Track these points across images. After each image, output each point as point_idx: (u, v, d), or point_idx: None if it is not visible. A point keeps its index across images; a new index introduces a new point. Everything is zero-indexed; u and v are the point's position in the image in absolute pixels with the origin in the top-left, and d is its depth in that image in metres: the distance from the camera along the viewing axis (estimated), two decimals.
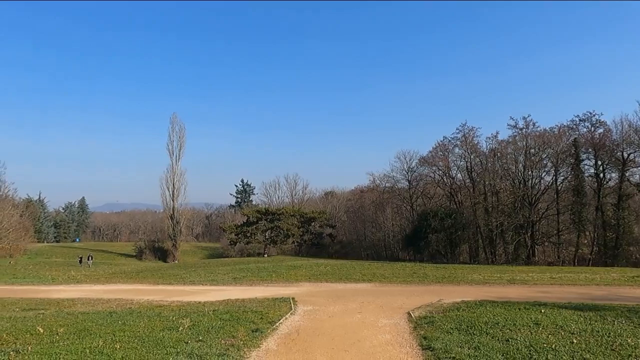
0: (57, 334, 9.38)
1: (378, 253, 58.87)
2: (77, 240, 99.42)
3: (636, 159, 42.16)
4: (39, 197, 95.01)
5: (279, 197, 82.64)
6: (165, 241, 69.69)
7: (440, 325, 9.75)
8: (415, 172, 56.95)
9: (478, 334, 8.74)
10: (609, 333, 8.59)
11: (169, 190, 66.84)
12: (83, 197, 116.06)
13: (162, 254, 67.95)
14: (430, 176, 55.07)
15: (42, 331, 9.57)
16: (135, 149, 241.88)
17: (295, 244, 66.03)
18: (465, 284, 19.54)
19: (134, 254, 69.73)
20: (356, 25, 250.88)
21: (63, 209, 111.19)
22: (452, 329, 9.36)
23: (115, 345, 8.05)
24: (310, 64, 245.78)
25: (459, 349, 7.67)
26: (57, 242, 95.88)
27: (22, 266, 44.45)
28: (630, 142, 41.74)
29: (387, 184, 60.87)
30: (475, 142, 50.45)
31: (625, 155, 42.35)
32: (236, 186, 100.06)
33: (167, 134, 67.64)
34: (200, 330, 9.43)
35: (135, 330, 9.59)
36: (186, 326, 9.72)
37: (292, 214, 65.33)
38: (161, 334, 9.16)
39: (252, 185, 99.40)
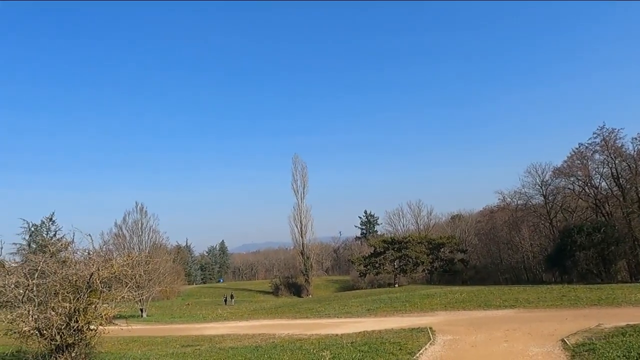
0: None
1: (517, 276, 54.52)
2: (221, 280, 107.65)
3: None
4: (186, 243, 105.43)
5: (403, 225, 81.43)
6: (298, 276, 72.29)
7: (603, 353, 8.69)
8: (550, 185, 52.16)
9: None
10: None
11: (297, 227, 69.85)
12: (222, 240, 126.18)
13: (296, 289, 70.47)
14: (568, 188, 50.01)
15: None
16: (263, 191, 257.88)
17: (426, 272, 64.01)
18: (628, 305, 17.15)
19: (271, 290, 73.26)
20: (474, 40, 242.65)
21: (206, 252, 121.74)
22: (618, 357, 8.28)
23: None
24: (423, 82, 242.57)
25: None
26: (204, 283, 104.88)
27: (177, 307, 49.36)
28: None
29: (519, 201, 56.46)
30: (619, 144, 44.91)
31: None
32: (360, 218, 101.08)
33: (290, 173, 71.26)
34: None
35: None
36: (327, 359, 9.94)
37: (419, 241, 63.77)
38: None
39: (375, 216, 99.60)
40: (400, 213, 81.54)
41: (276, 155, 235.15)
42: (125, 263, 12.89)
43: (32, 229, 60.06)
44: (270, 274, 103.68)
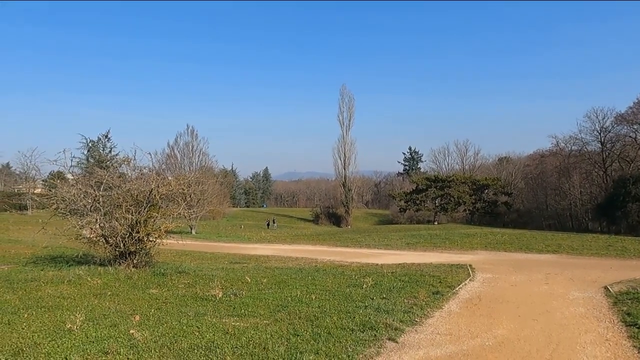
0: (262, 283, 10.92)
1: (562, 223, 53.49)
2: (264, 205, 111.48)
3: None
4: (232, 168, 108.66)
5: (448, 164, 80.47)
6: (339, 207, 73.76)
7: None
8: (610, 132, 49.51)
9: None
10: None
11: (340, 159, 70.28)
12: (266, 167, 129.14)
13: (335, 219, 72.24)
14: (630, 136, 47.41)
15: (249, 280, 11.23)
16: (309, 120, 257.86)
17: (467, 212, 63.85)
18: None
19: (311, 218, 75.45)
20: None
21: (250, 178, 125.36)
22: None
23: (311, 296, 9.10)
24: (484, 21, 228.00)
25: None
26: (247, 207, 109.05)
27: (223, 227, 51.93)
28: None
29: (573, 147, 54.18)
30: None
31: None
32: (404, 154, 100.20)
33: (337, 105, 70.60)
34: (383, 289, 10.02)
35: (324, 285, 10.63)
36: (369, 285, 10.41)
37: (463, 181, 63.12)
38: (348, 289, 10.01)
39: (420, 153, 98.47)
40: (446, 151, 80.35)
41: (324, 87, 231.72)
42: (181, 182, 13.61)
43: (90, 144, 63.32)
44: (311, 203, 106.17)
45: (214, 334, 6.36)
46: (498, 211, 62.31)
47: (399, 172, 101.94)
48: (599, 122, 50.20)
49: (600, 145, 50.71)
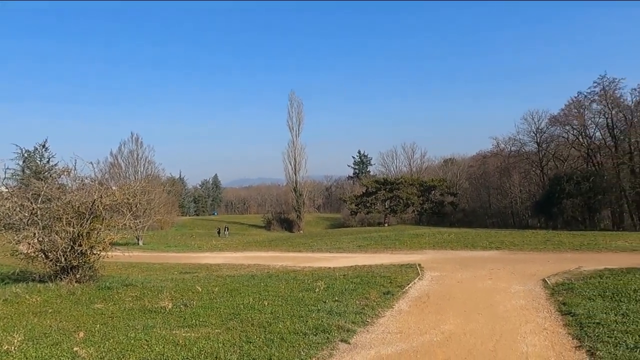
0: (213, 292, 10.74)
1: (504, 221, 56.09)
2: (215, 213, 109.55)
3: None
4: (180, 175, 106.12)
5: (396, 167, 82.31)
6: (290, 212, 73.76)
7: (581, 292, 9.27)
8: (545, 133, 52.59)
9: (626, 301, 8.17)
10: None
11: (291, 164, 70.45)
12: (216, 174, 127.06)
13: (288, 225, 72.14)
14: (563, 137, 50.51)
15: (200, 290, 11.02)
16: (259, 126, 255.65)
17: (416, 213, 65.60)
18: (609, 251, 17.95)
19: (263, 225, 74.93)
20: None
21: (200, 185, 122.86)
22: (594, 295, 8.85)
23: (264, 303, 9.06)
24: (424, 27, 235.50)
25: (604, 315, 7.28)
26: (197, 215, 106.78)
27: (172, 236, 50.57)
28: None
29: (512, 148, 57.14)
30: (618, 95, 44.83)
31: None
32: (353, 157, 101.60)
33: (286, 110, 70.78)
34: (335, 292, 10.13)
35: (277, 291, 10.61)
36: (322, 288, 10.49)
37: (411, 182, 64.84)
38: (300, 294, 10.04)
39: (369, 156, 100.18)
40: (394, 154, 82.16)
41: (271, 93, 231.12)
42: (126, 192, 13.17)
43: (25, 155, 59.85)
44: (263, 209, 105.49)
45: (163, 347, 6.20)
46: (445, 211, 64.47)
47: (349, 176, 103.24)
48: (535, 123, 53.33)
49: (536, 145, 53.74)
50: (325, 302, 9.05)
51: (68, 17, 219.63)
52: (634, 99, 44.08)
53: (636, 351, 5.56)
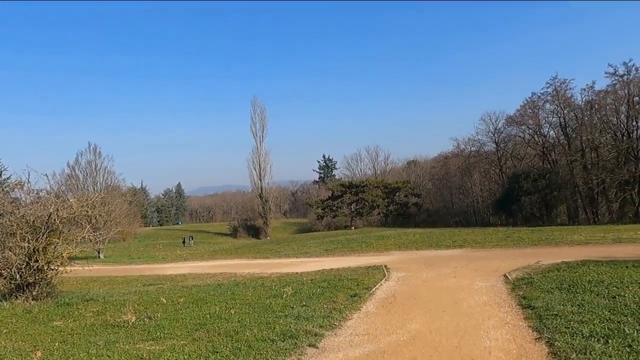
0: (178, 303, 10.53)
1: (467, 220, 57.44)
2: (179, 223, 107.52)
3: None
4: (142, 185, 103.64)
5: (361, 170, 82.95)
6: (257, 219, 73.21)
7: (539, 286, 9.61)
8: (502, 133, 54.33)
9: (581, 292, 8.52)
10: None
11: (255, 170, 69.92)
12: (179, 183, 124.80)
13: (254, 232, 71.57)
14: (519, 136, 52.26)
15: (165, 301, 10.79)
16: (221, 133, 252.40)
17: (381, 215, 66.35)
18: (565, 245, 18.68)
19: (229, 232, 74.10)
20: None
21: (162, 195, 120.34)
22: (552, 288, 9.19)
23: (231, 311, 8.95)
24: (384, 29, 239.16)
25: (562, 306, 7.57)
26: (161, 225, 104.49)
27: (135, 248, 49.26)
28: None
29: (472, 148, 58.68)
30: (569, 95, 46.82)
31: None
32: (318, 162, 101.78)
33: (249, 116, 70.27)
34: (303, 297, 10.12)
35: (244, 299, 10.50)
36: (289, 294, 10.46)
37: (375, 185, 65.58)
38: (268, 301, 9.98)
39: (334, 160, 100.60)
40: (358, 158, 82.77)
41: (234, 99, 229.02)
42: (84, 204, 12.75)
43: None
44: (228, 217, 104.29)
45: None
46: (410, 212, 65.50)
47: (314, 180, 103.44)
48: (493, 124, 55.02)
49: (495, 145, 55.43)
50: (292, 307, 9.02)
51: (15, 23, 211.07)
52: (584, 99, 46.18)
53: (591, 339, 5.80)
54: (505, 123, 53.37)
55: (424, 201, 67.91)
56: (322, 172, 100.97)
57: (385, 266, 15.01)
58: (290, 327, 7.37)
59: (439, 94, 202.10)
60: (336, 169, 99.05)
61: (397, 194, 66.51)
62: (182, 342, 6.93)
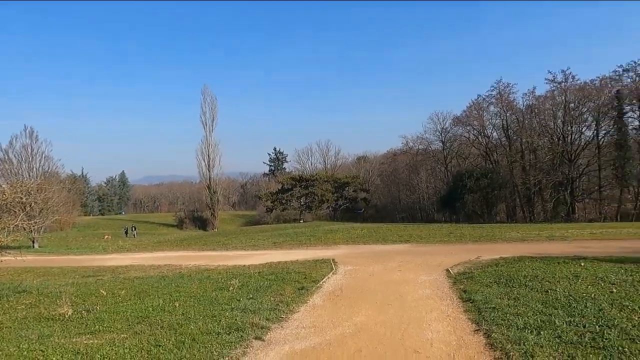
0: (119, 296, 10.17)
1: (413, 216, 59.01)
2: (122, 212, 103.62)
3: None
4: (82, 173, 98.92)
5: (312, 164, 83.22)
6: (204, 210, 71.80)
7: (479, 280, 10.03)
8: (449, 132, 56.23)
9: (517, 287, 8.98)
10: None
11: (204, 161, 68.31)
12: (123, 171, 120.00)
13: (201, 223, 70.19)
14: (464, 136, 54.25)
15: (105, 294, 10.39)
16: (169, 121, 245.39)
17: (330, 209, 66.90)
18: (503, 241, 19.59)
19: (175, 223, 72.28)
20: None
21: (105, 183, 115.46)
22: (491, 282, 9.62)
23: (175, 304, 8.73)
24: (337, 24, 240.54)
25: (499, 300, 7.95)
26: (102, 214, 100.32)
27: (73, 238, 47.04)
28: None
29: (420, 146, 60.33)
30: (511, 99, 49.13)
31: None
32: (269, 154, 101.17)
33: (199, 105, 68.53)
34: (250, 290, 10.04)
35: (189, 291, 10.28)
36: (236, 286, 10.35)
37: (325, 179, 66.00)
38: (214, 293, 9.82)
39: (284, 153, 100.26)
40: (309, 152, 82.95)
41: (183, 88, 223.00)
42: (18, 190, 12.01)
43: None
44: (175, 208, 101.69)
45: (62, 356, 5.75)
46: (358, 207, 66.46)
47: (264, 173, 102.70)
48: (440, 123, 56.82)
49: (441, 144, 57.28)
50: (239, 300, 8.93)
51: None
52: (525, 103, 48.58)
53: (525, 331, 6.12)
54: (452, 123, 55.31)
55: (372, 196, 69.09)
56: (272, 164, 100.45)
57: (333, 260, 15.15)
58: (236, 319, 7.29)
59: (390, 91, 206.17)
60: (287, 162, 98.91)
61: (347, 188, 67.26)
62: (122, 335, 6.69)
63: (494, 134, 51.73)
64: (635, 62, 42.91)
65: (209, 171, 68.68)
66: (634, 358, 4.98)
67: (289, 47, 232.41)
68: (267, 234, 31.57)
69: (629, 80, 43.39)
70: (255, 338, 6.48)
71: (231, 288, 10.18)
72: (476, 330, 6.55)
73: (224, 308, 8.22)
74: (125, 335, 6.66)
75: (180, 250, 25.96)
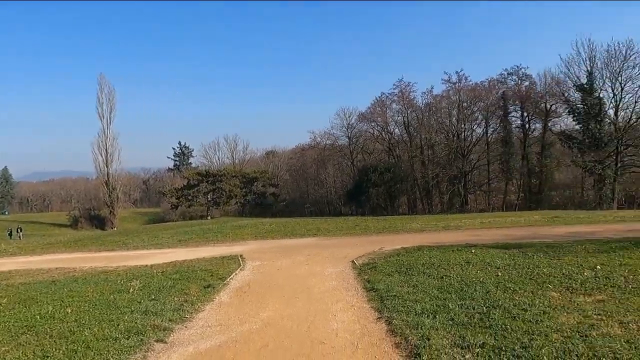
0: (1, 304, 9.17)
1: (321, 209, 60.15)
2: (6, 212, 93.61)
3: (557, 110, 45.34)
4: None
5: (219, 159, 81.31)
6: (102, 208, 67.19)
7: (382, 270, 10.48)
8: (354, 128, 58.00)
9: (416, 274, 9.53)
10: (529, 266, 9.64)
11: (102, 155, 63.59)
12: (5, 167, 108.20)
13: (99, 222, 65.70)
14: (369, 132, 56.36)
15: None
16: (58, 112, 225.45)
17: (239, 204, 65.96)
18: (405, 232, 20.67)
19: (68, 223, 66.98)
20: None
21: None
22: (392, 272, 10.10)
23: (67, 310, 8.06)
24: (246, 13, 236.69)
25: (400, 288, 8.38)
26: None
27: None
28: (553, 93, 44.64)
29: (328, 142, 61.62)
30: (412, 97, 51.95)
31: (548, 106, 45.41)
32: (174, 149, 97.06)
33: (95, 95, 63.66)
34: (152, 290, 9.57)
35: (84, 296, 9.55)
36: (136, 288, 9.81)
37: (233, 174, 64.89)
38: (112, 296, 9.21)
39: (190, 148, 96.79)
40: (217, 146, 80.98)
41: (77, 77, 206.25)
42: None
43: None
44: (68, 206, 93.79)
45: None
46: (267, 202, 66.24)
47: (169, 168, 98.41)
48: (346, 119, 58.41)
49: (348, 139, 58.93)
50: (140, 302, 8.47)
51: None
52: (424, 102, 51.64)
53: (422, 316, 6.52)
54: (357, 119, 57.14)
55: (281, 191, 69.29)
56: (177, 159, 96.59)
57: (241, 256, 14.96)
58: (136, 323, 6.92)
59: (299, 87, 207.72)
60: (193, 157, 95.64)
61: (255, 183, 66.74)
62: (3, 348, 6.04)
63: (396, 130, 54.46)
64: (517, 67, 47.58)
65: (107, 166, 64.14)
66: (514, 334, 5.51)
67: (196, 39, 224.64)
68: (171, 232, 30.32)
69: (512, 83, 47.95)
70: (157, 341, 6.20)
71: (131, 290, 9.63)
72: (378, 318, 6.84)
73: (122, 311, 7.75)
74: (7, 348, 6.02)
75: (75, 252, 24.00)
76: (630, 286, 7.48)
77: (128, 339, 6.15)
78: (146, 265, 14.60)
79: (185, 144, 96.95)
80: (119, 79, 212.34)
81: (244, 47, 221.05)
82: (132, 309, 7.91)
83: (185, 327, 6.93)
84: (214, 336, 6.42)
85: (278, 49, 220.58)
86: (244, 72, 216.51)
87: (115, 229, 59.38)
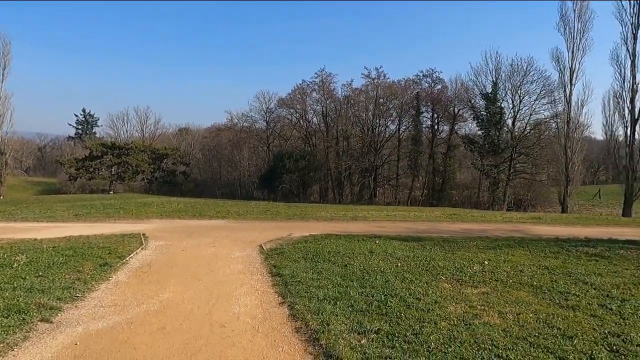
0: None
1: (233, 192, 59.20)
2: None
3: (464, 115, 48.51)
4: None
5: (127, 131, 76.78)
6: None
7: (289, 256, 10.58)
8: (273, 113, 57.57)
9: (322, 262, 9.75)
10: (426, 258, 10.28)
11: None
12: None
13: None
14: (287, 118, 56.26)
15: None
16: None
17: (146, 181, 62.87)
18: (314, 220, 21.01)
19: None
20: None
21: None
22: (299, 258, 10.24)
23: None
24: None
25: (304, 274, 8.52)
26: None
27: None
28: (461, 99, 47.66)
29: (245, 124, 60.61)
30: (332, 88, 52.58)
31: (456, 110, 48.42)
32: (76, 115, 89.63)
33: None
34: (40, 267, 8.85)
35: None
36: (22, 263, 9.02)
37: (142, 149, 61.58)
38: None
39: (95, 116, 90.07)
40: (125, 117, 76.45)
41: None
42: None
43: None
44: None
45: None
46: (176, 181, 63.82)
47: (69, 136, 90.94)
48: (266, 103, 57.77)
49: (265, 123, 58.43)
50: (24, 278, 7.80)
51: None
52: (343, 94, 52.61)
53: (324, 302, 6.70)
54: (276, 104, 56.75)
55: (192, 171, 67.11)
56: (80, 127, 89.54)
57: (144, 234, 14.31)
58: (18, 300, 6.37)
59: (219, 66, 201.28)
60: (98, 126, 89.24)
61: (165, 160, 63.94)
62: None
63: (314, 119, 54.88)
64: (431, 70, 50.10)
65: None
66: (407, 321, 5.86)
67: (115, 10, 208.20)
68: (68, 205, 28.15)
69: (426, 84, 50.40)
70: (42, 320, 5.76)
71: (15, 265, 8.83)
72: (281, 302, 6.91)
73: (3, 288, 7.08)
74: None
75: None
76: (511, 280, 8.28)
77: (7, 318, 5.66)
78: (35, 239, 13.43)
79: (90, 111, 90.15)
80: (25, 39, 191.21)
81: (160, 17, 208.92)
82: (15, 285, 7.26)
83: (76, 306, 6.50)
84: (107, 317, 6.10)
85: (198, 28, 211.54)
86: (161, 46, 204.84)
87: (2, 197, 53.89)
